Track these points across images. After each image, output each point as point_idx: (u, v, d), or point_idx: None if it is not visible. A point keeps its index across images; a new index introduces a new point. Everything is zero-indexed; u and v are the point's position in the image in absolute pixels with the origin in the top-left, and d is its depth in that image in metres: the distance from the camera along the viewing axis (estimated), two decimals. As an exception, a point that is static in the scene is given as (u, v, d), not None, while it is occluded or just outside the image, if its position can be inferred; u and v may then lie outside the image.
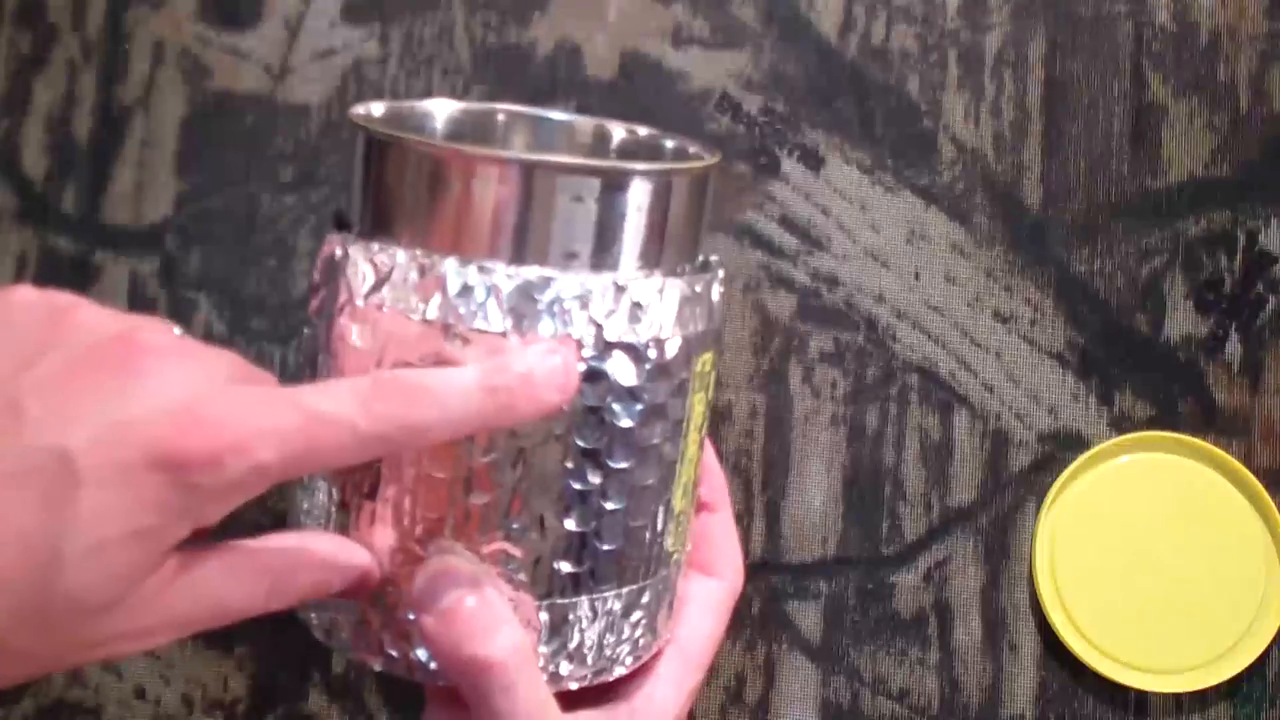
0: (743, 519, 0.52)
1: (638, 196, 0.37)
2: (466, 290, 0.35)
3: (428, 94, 0.53)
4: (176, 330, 0.36)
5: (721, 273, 0.40)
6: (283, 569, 0.35)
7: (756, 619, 0.52)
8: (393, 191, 0.37)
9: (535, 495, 0.36)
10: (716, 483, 0.46)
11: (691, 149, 0.44)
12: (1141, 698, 0.52)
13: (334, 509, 0.38)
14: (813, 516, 0.52)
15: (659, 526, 0.39)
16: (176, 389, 0.32)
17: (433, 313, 0.35)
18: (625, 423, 0.37)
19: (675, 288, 0.37)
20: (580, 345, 0.36)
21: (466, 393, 0.34)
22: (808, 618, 0.52)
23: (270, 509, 0.46)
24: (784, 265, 0.53)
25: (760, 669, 0.52)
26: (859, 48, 0.53)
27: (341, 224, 0.40)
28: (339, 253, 0.37)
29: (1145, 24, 0.53)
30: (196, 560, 0.33)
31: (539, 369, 0.35)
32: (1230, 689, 0.51)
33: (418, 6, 0.53)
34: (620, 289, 0.36)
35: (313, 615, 0.39)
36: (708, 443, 0.44)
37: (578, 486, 0.37)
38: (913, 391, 0.52)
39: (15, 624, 0.30)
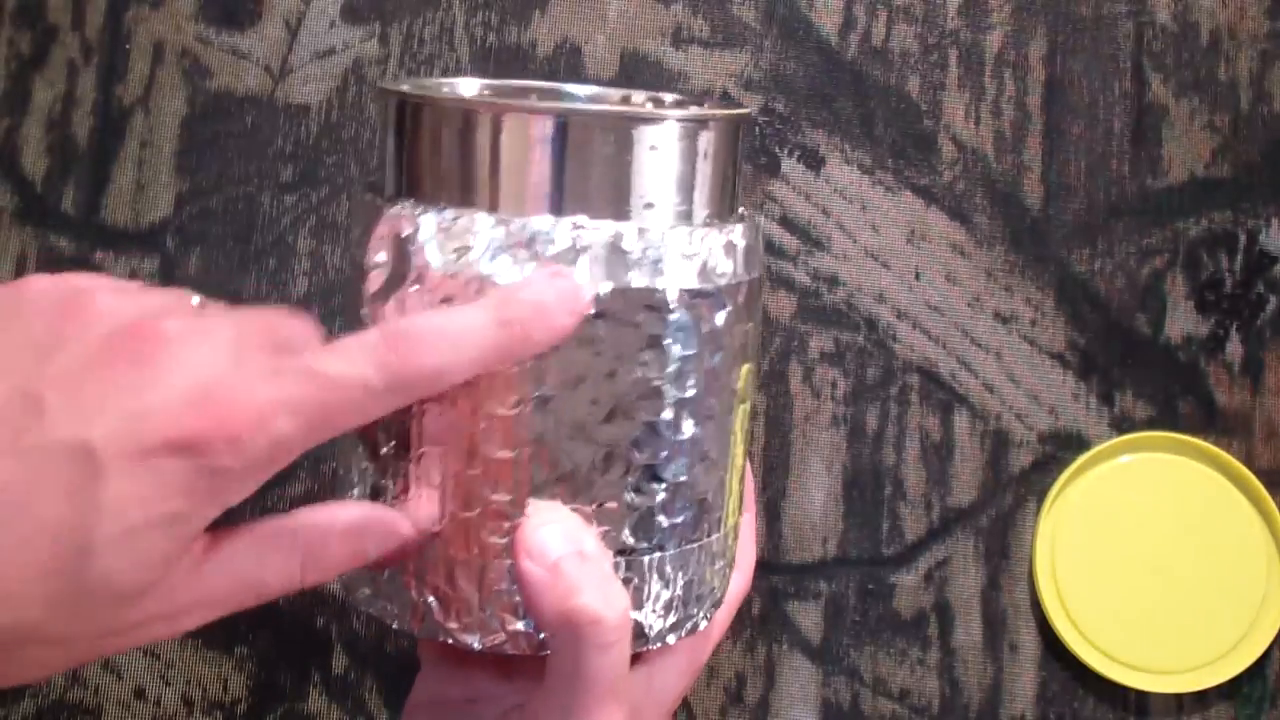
0: (743, 519, 0.52)
1: (706, 142, 0.38)
2: (550, 243, 0.35)
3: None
4: (195, 299, 0.36)
5: (760, 219, 0.41)
6: (313, 540, 0.35)
7: (756, 619, 0.52)
8: (475, 160, 0.37)
9: (628, 449, 0.37)
10: (747, 486, 0.45)
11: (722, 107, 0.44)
12: (1142, 698, 0.52)
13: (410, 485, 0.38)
14: (813, 516, 0.52)
15: (734, 473, 0.40)
16: (191, 373, 0.32)
17: (522, 273, 0.35)
18: (711, 365, 0.37)
19: (741, 234, 0.39)
20: (665, 295, 0.36)
21: (480, 330, 0.34)
22: (808, 618, 0.52)
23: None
24: (784, 265, 0.53)
25: (760, 669, 0.52)
26: (859, 48, 0.53)
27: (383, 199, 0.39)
28: (408, 228, 0.37)
29: (1145, 24, 0.53)
30: (227, 539, 0.34)
31: (548, 294, 0.35)
32: (1230, 689, 0.51)
33: (418, 6, 0.53)
34: (699, 238, 0.37)
35: (390, 604, 0.39)
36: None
37: (673, 437, 0.37)
38: (913, 391, 0.52)
39: (51, 612, 0.31)
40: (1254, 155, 0.53)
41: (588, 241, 0.36)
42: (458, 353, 0.34)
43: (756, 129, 0.53)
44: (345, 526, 0.35)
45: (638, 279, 0.36)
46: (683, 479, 0.38)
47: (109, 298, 0.34)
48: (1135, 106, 0.53)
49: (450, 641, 0.38)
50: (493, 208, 0.36)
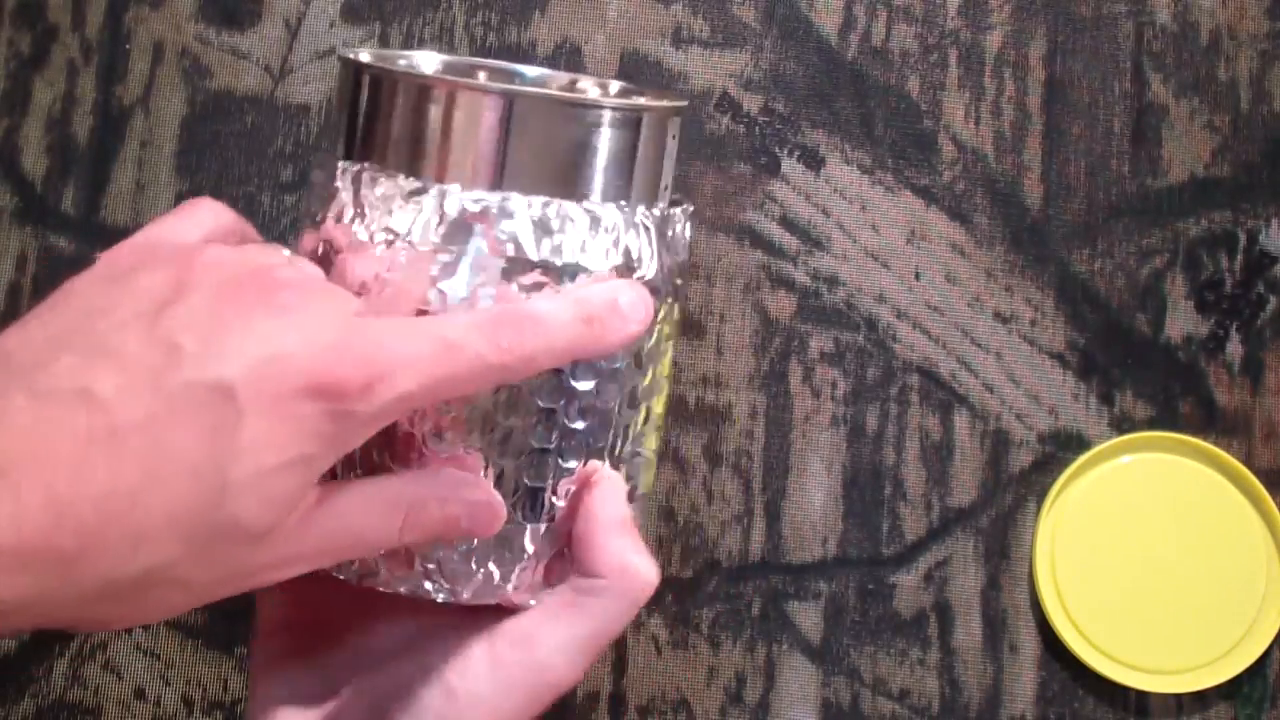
0: (743, 519, 0.52)
1: (648, 129, 0.39)
2: (506, 217, 0.37)
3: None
4: (285, 251, 0.37)
5: (691, 208, 0.42)
6: (414, 501, 0.36)
7: (756, 619, 0.52)
8: (426, 132, 0.38)
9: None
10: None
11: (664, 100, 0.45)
12: (1142, 698, 0.52)
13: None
14: (813, 516, 0.52)
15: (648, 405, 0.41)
16: (320, 321, 0.33)
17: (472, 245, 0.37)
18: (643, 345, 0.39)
19: (649, 220, 0.40)
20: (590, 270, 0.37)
21: (567, 324, 0.36)
22: (808, 618, 0.52)
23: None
24: (784, 265, 0.53)
25: (760, 669, 0.52)
26: (859, 48, 0.53)
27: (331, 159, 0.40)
28: (339, 184, 0.38)
29: (1145, 24, 0.53)
30: (335, 492, 0.34)
31: (623, 300, 0.37)
32: (1230, 689, 0.51)
33: (418, 6, 0.53)
34: (627, 218, 0.38)
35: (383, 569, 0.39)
36: None
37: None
38: (913, 392, 0.52)
39: (183, 553, 0.32)
40: (1254, 155, 0.53)
41: (529, 214, 0.37)
42: (550, 342, 0.35)
43: (756, 129, 0.53)
44: (446, 493, 0.37)
45: (571, 254, 0.37)
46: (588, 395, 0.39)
47: (216, 250, 0.35)
48: (1135, 106, 0.53)
49: (453, 599, 0.38)
50: (440, 179, 0.37)
